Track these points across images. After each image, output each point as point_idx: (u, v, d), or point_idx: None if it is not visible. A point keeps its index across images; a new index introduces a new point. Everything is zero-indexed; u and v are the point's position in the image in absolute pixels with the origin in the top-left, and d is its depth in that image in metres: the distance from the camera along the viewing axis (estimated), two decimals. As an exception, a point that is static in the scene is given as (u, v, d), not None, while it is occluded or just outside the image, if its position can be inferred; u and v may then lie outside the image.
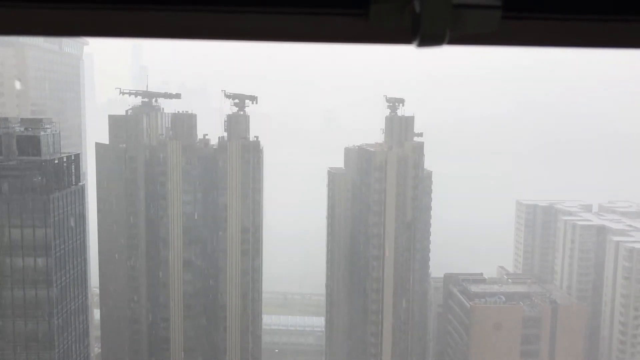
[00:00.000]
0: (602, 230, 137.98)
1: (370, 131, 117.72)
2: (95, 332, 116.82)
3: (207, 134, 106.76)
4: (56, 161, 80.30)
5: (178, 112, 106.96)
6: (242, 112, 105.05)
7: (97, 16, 2.48)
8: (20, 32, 2.58)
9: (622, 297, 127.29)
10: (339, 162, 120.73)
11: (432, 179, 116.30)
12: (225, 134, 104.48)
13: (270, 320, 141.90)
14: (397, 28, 2.38)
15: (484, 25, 2.36)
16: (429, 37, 2.33)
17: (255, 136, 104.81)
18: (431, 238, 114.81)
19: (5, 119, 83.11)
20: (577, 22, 2.48)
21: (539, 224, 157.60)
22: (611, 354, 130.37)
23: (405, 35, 2.38)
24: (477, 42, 2.50)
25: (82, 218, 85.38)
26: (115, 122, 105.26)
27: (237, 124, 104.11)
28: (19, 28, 2.55)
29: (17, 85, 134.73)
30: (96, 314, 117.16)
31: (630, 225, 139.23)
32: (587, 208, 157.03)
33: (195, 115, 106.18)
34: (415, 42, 2.35)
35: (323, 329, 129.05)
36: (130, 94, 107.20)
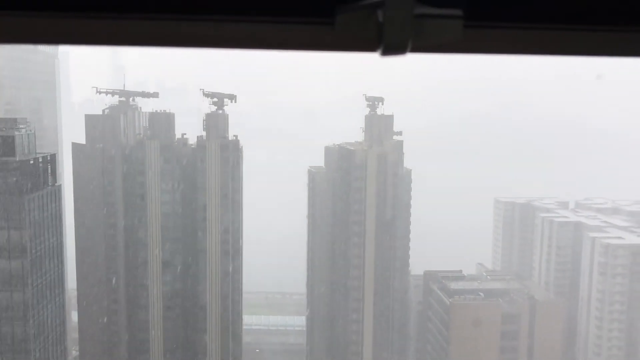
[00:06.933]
0: (578, 227, 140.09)
1: (351, 130, 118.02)
2: (73, 334, 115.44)
3: (185, 133, 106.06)
4: (31, 162, 79.13)
5: (156, 111, 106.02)
6: (221, 111, 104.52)
7: (75, 24, 2.50)
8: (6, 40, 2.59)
9: (598, 292, 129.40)
10: (319, 161, 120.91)
11: (412, 177, 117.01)
12: (204, 133, 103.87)
13: (250, 320, 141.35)
14: (362, 37, 2.44)
15: (446, 35, 2.44)
16: (391, 46, 2.39)
17: (234, 135, 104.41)
18: (411, 236, 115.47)
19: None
20: (535, 31, 2.58)
21: (517, 221, 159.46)
22: (587, 348, 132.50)
23: (370, 44, 2.44)
24: (440, 50, 2.58)
25: (58, 219, 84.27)
26: (92, 122, 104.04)
27: (216, 123, 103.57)
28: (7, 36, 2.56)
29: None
30: (74, 315, 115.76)
31: (605, 222, 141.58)
32: (564, 205, 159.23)
33: (173, 115, 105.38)
34: (379, 51, 2.42)
35: (304, 328, 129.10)
36: (107, 93, 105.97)
